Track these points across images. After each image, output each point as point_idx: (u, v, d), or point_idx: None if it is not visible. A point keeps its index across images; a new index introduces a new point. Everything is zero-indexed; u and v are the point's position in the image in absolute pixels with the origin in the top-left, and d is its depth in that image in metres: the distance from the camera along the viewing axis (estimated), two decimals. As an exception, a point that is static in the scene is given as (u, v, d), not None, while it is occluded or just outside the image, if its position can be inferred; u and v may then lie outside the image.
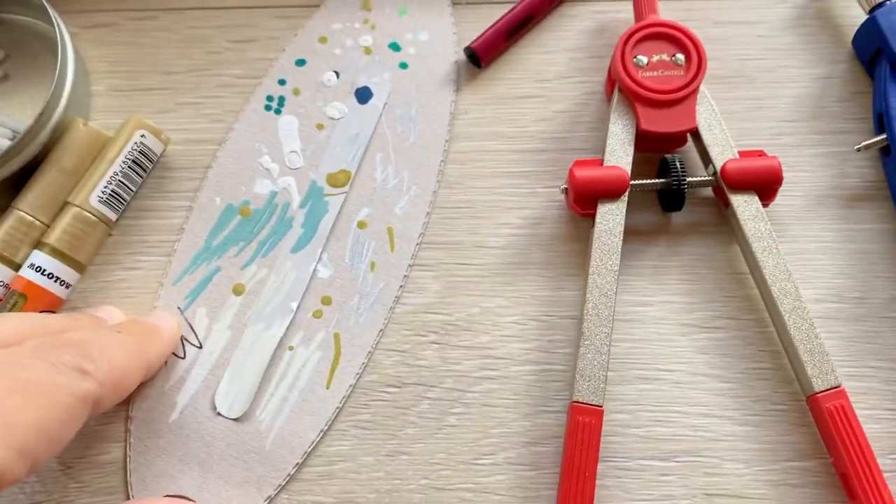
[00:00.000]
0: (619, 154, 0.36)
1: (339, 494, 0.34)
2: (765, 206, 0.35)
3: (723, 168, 0.35)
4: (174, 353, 0.35)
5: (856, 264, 0.37)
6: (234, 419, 0.34)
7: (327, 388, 0.35)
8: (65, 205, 0.36)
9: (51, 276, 0.34)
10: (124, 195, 0.37)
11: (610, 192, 0.35)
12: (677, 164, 0.35)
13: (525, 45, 0.41)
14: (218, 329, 0.35)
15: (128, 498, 0.33)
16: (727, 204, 0.35)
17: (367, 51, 0.40)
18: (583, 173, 0.35)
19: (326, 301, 0.36)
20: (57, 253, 0.35)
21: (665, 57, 0.36)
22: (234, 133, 0.39)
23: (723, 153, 0.36)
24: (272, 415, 0.34)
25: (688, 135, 0.37)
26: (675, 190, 0.35)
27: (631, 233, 0.37)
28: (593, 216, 0.35)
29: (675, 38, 0.36)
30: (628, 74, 0.36)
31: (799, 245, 0.37)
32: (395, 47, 0.40)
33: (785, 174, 0.35)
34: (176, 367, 0.35)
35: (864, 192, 0.38)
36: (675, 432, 0.34)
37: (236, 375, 0.35)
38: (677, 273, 0.37)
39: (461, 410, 0.35)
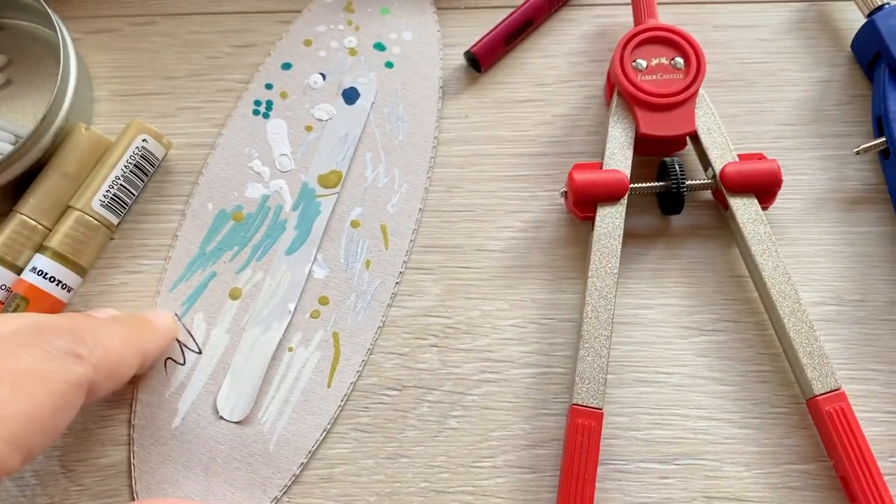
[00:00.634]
0: (619, 157, 0.36)
1: (340, 497, 0.34)
2: (764, 209, 0.35)
3: (722, 171, 0.35)
4: (173, 360, 0.35)
5: (855, 267, 0.36)
6: (236, 422, 0.34)
7: (328, 387, 0.35)
8: (67, 209, 0.36)
9: (52, 279, 0.35)
10: (126, 199, 0.37)
11: (609, 195, 0.35)
12: (676, 167, 0.35)
13: (525, 50, 0.41)
14: (216, 334, 0.36)
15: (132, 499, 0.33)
16: (726, 207, 0.35)
17: (353, 52, 0.40)
18: (582, 177, 0.35)
19: (323, 301, 0.36)
20: (59, 257, 0.35)
21: (664, 61, 0.36)
22: (223, 139, 0.39)
23: (722, 156, 0.36)
24: (274, 416, 0.34)
25: (687, 138, 0.37)
26: (675, 193, 0.35)
27: (630, 236, 0.37)
28: (593, 219, 0.35)
29: (674, 42, 0.36)
30: (627, 78, 0.36)
31: (798, 248, 0.37)
32: (379, 47, 0.40)
33: (784, 177, 0.35)
34: (176, 374, 0.35)
35: (863, 196, 0.38)
36: (674, 435, 0.34)
37: (237, 379, 0.35)
38: (677, 276, 0.37)
39: (461, 413, 0.35)
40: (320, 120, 0.39)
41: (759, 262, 0.34)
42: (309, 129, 0.39)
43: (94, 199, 0.36)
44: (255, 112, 0.39)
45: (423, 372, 0.35)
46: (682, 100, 0.36)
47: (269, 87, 0.40)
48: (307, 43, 0.40)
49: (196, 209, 0.38)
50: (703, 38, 0.37)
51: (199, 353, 0.35)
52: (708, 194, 0.38)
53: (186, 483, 0.33)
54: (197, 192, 0.38)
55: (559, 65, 0.40)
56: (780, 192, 0.35)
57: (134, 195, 0.37)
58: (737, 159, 0.36)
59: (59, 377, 0.25)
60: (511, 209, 0.38)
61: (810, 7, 0.41)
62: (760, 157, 0.36)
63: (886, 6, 0.38)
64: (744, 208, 0.35)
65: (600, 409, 0.32)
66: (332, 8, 0.41)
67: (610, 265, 0.34)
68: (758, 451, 0.34)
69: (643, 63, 0.36)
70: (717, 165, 0.35)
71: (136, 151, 0.37)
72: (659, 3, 0.39)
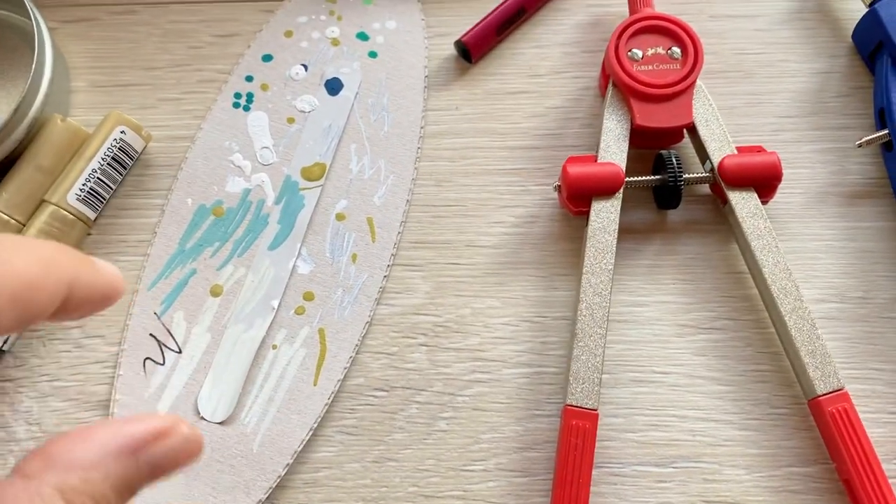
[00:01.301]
0: (614, 150, 0.35)
1: (325, 502, 0.33)
2: (764, 203, 0.35)
3: (720, 164, 0.35)
4: (153, 360, 0.34)
5: (857, 263, 0.36)
6: (218, 423, 0.33)
7: (314, 385, 0.34)
8: (41, 203, 0.35)
9: (25, 276, 0.34)
10: (103, 193, 0.36)
11: (604, 189, 0.34)
12: (673, 160, 0.35)
13: (517, 40, 0.40)
14: (197, 332, 0.35)
15: None
16: (725, 201, 0.35)
17: (335, 42, 0.40)
18: (576, 170, 0.34)
19: (309, 297, 0.35)
20: (32, 253, 0.34)
21: (660, 50, 0.36)
22: (202, 133, 0.38)
23: (720, 149, 0.35)
24: (258, 416, 0.34)
25: (684, 130, 0.36)
26: (672, 187, 0.35)
27: (626, 231, 0.36)
28: (587, 214, 0.34)
29: (671, 32, 0.36)
30: (623, 68, 0.35)
31: (799, 243, 0.36)
32: (362, 37, 0.40)
33: (784, 171, 0.35)
34: (156, 374, 0.34)
35: (865, 189, 0.37)
36: (672, 437, 0.34)
37: (218, 379, 0.34)
38: (674, 272, 0.36)
39: (451, 415, 0.34)
40: (303, 111, 0.38)
41: (759, 258, 0.34)
42: (291, 120, 0.38)
43: (70, 192, 0.35)
44: (236, 105, 0.39)
45: (412, 372, 0.35)
46: (679, 91, 0.35)
47: (249, 79, 0.39)
48: (288, 34, 0.40)
49: (175, 205, 0.37)
50: (699, 28, 0.37)
51: (180, 352, 0.35)
52: (706, 188, 0.37)
53: (165, 486, 0.32)
54: (176, 188, 0.37)
55: (552, 55, 0.40)
56: (780, 185, 0.35)
57: (112, 189, 0.37)
58: (735, 152, 0.35)
59: None
60: (503, 204, 0.37)
61: (810, -4, 0.41)
62: (760, 149, 0.36)
63: (888, -6, 0.37)
64: (743, 202, 0.34)
65: (595, 410, 0.32)
66: None
67: (605, 261, 0.34)
68: (758, 454, 0.33)
69: (639, 53, 0.36)
70: (716, 158, 0.35)
71: (114, 144, 0.36)
72: (655, -8, 0.38)
